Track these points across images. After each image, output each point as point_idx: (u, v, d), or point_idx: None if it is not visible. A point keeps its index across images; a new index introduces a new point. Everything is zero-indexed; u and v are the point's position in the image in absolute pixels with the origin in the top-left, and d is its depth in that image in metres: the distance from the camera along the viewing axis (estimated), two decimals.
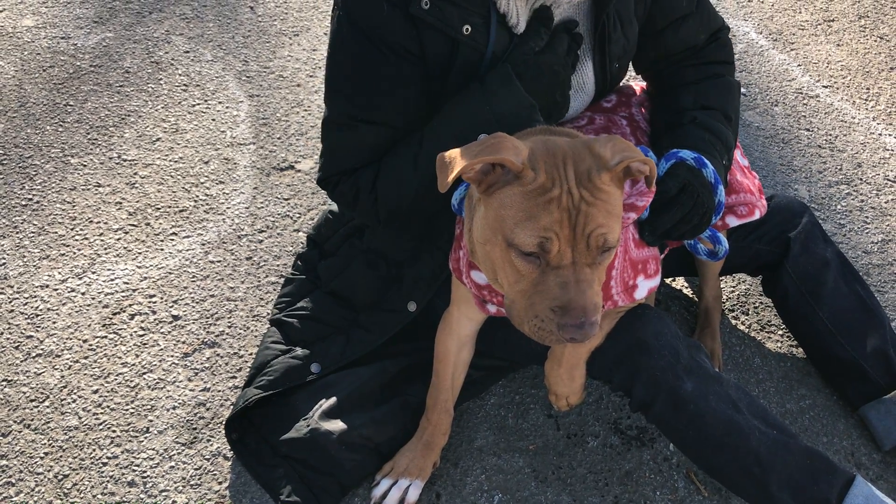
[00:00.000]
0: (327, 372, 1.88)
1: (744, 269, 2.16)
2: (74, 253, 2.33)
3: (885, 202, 2.66)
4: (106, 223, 2.42)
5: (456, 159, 1.26)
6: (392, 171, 1.62)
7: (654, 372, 1.62)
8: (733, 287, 2.36)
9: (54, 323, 2.13)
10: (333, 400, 1.86)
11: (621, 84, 1.98)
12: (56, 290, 2.22)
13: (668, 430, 1.69)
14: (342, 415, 1.86)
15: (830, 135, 2.93)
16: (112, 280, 2.25)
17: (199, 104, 2.88)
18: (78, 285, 2.24)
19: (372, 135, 1.63)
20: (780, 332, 2.24)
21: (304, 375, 1.87)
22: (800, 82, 3.18)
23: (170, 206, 2.49)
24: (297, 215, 2.49)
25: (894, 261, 2.47)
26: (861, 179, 2.74)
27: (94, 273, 2.27)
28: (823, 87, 3.17)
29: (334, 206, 2.06)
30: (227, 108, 2.88)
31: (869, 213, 2.62)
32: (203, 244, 2.38)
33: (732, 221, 1.85)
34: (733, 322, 2.26)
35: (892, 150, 2.88)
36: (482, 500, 1.83)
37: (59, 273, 2.26)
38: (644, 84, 1.99)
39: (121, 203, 2.49)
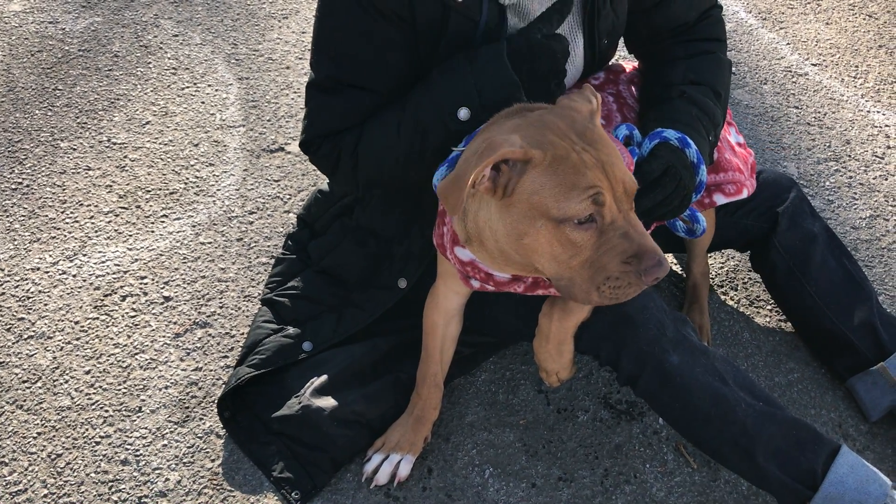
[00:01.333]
0: (319, 350, 1.89)
1: (732, 244, 2.18)
2: (65, 236, 2.33)
3: (873, 178, 2.68)
4: (96, 206, 2.42)
5: (460, 178, 1.23)
6: (374, 137, 1.62)
7: (640, 345, 1.63)
8: (722, 263, 2.37)
9: (46, 305, 2.14)
10: (325, 377, 1.88)
11: (611, 63, 1.98)
12: (47, 272, 2.22)
13: (656, 404, 1.70)
14: (334, 391, 1.87)
15: (819, 112, 2.94)
16: (103, 262, 2.26)
17: (188, 87, 2.88)
18: (69, 268, 2.24)
19: (356, 99, 1.63)
20: (769, 308, 2.25)
21: (295, 354, 1.88)
22: (789, 60, 3.19)
23: (160, 189, 2.49)
24: (288, 196, 2.49)
25: (882, 236, 2.48)
26: (849, 156, 2.76)
27: (84, 255, 2.27)
28: (812, 65, 3.18)
29: (324, 186, 2.07)
30: (216, 91, 2.88)
31: (857, 189, 2.63)
32: (194, 226, 2.38)
33: (720, 199, 1.86)
34: (722, 298, 2.28)
35: (880, 127, 2.89)
36: (473, 474, 1.85)
37: (50, 256, 2.27)
38: (636, 64, 1.99)
39: (111, 186, 2.49)
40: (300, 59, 3.05)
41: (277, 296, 1.98)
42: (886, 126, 2.90)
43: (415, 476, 1.83)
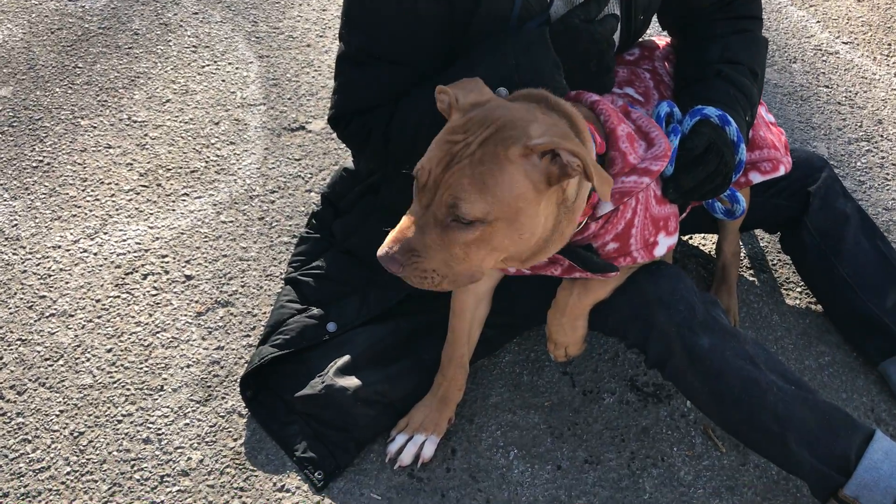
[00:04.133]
0: (343, 331, 1.86)
1: (762, 224, 2.13)
2: (86, 214, 2.31)
3: None
4: (117, 184, 2.41)
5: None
6: (408, 115, 1.58)
7: (669, 328, 1.60)
8: (751, 245, 2.32)
9: (67, 283, 2.13)
10: (348, 357, 1.85)
11: (643, 38, 1.94)
12: (68, 250, 2.21)
13: (685, 387, 1.67)
14: (357, 371, 1.85)
15: (850, 91, 2.87)
16: (124, 241, 2.24)
17: (208, 65, 2.85)
18: (90, 246, 2.23)
19: (390, 74, 1.59)
20: (799, 290, 2.21)
21: (320, 335, 1.85)
22: (819, 38, 3.12)
23: (181, 167, 2.47)
24: (309, 175, 2.47)
25: None
26: (882, 136, 2.69)
27: (105, 234, 2.26)
28: (843, 43, 3.10)
29: (349, 164, 2.03)
30: (236, 69, 2.85)
31: (889, 169, 2.57)
32: (215, 205, 2.36)
33: (756, 178, 1.81)
34: (751, 280, 2.23)
35: None
36: (498, 456, 1.82)
37: (71, 234, 2.25)
38: (668, 40, 1.95)
39: (132, 164, 2.47)
40: (321, 36, 3.02)
41: (302, 275, 1.95)
42: None
43: (438, 457, 1.80)
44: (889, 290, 1.98)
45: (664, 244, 1.61)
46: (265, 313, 2.08)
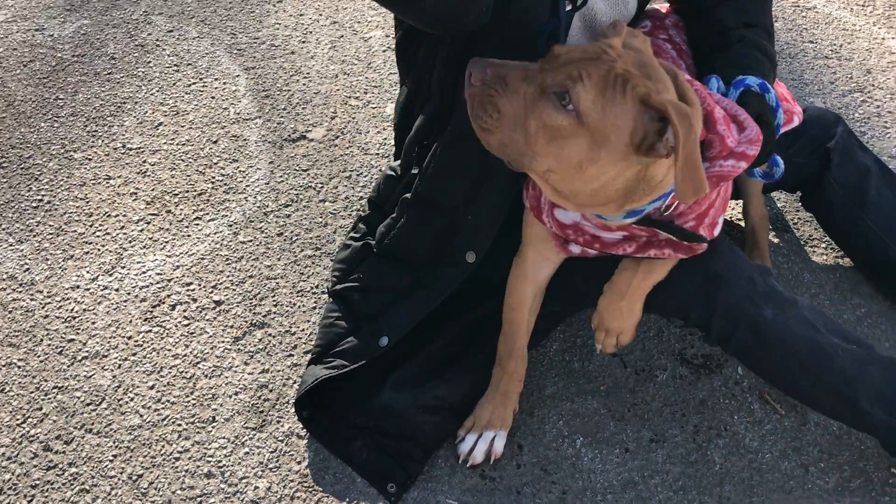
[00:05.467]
0: (395, 342, 1.83)
1: (783, 185, 2.15)
2: (99, 250, 2.24)
3: None
4: (125, 215, 2.33)
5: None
6: None
7: (732, 303, 1.60)
8: (770, 206, 2.35)
9: (94, 323, 2.06)
10: (402, 368, 1.83)
11: (647, 7, 1.93)
12: (88, 289, 2.14)
13: (750, 360, 1.68)
14: (413, 379, 1.82)
15: (835, 44, 2.92)
16: (144, 273, 2.18)
17: (194, 83, 2.78)
18: (110, 282, 2.16)
19: None
20: (825, 245, 2.24)
21: (373, 350, 1.81)
22: None
23: (187, 191, 2.40)
24: (320, 185, 2.42)
25: None
26: (873, 85, 2.74)
27: (123, 268, 2.19)
28: None
29: (394, 165, 1.96)
30: (224, 84, 2.78)
31: (887, 117, 2.62)
32: (230, 225, 2.30)
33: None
34: (776, 241, 2.26)
35: None
36: (565, 446, 1.82)
37: (88, 272, 2.18)
38: (666, 6, 1.94)
39: (136, 193, 2.40)
40: (303, 42, 2.96)
41: (346, 289, 1.89)
42: None
43: (506, 454, 1.80)
44: None
45: (720, 224, 1.62)
46: (303, 330, 2.04)
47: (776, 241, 2.26)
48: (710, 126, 1.42)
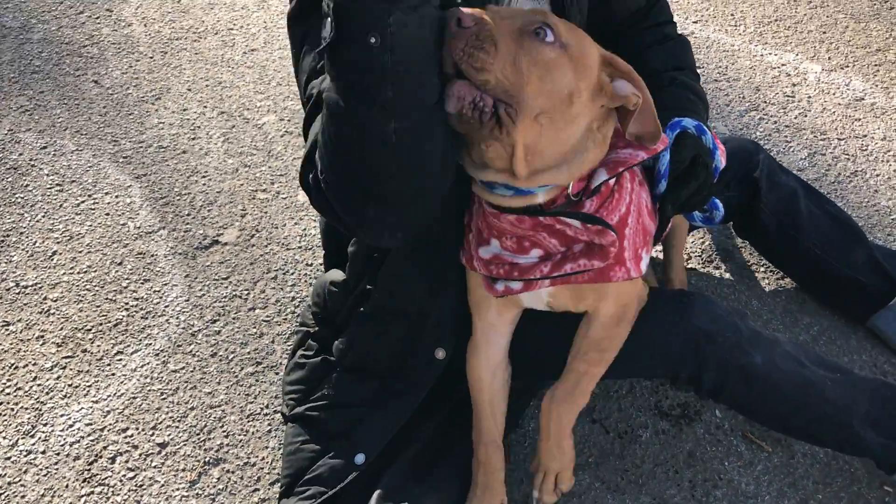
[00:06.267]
0: (372, 458, 1.70)
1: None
2: (13, 409, 2.00)
3: (795, 118, 2.76)
4: (35, 363, 2.10)
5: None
6: (317, 133, 1.33)
7: (722, 356, 1.58)
8: (701, 239, 2.36)
9: (24, 497, 1.83)
10: (385, 480, 1.70)
11: None
12: (9, 458, 1.90)
13: (744, 407, 1.66)
14: (398, 493, 1.69)
15: (720, 66, 3.01)
16: (71, 426, 1.96)
17: (83, 201, 2.57)
18: (33, 445, 1.92)
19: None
20: (763, 269, 2.27)
21: (349, 470, 1.67)
22: None
23: (101, 324, 2.19)
24: (245, 292, 2.26)
25: (826, 171, 2.57)
26: (765, 101, 2.83)
27: (45, 425, 1.96)
28: (693, 22, 3.25)
29: (330, 276, 1.83)
30: (116, 197, 2.58)
31: (785, 132, 2.71)
32: (157, 354, 2.11)
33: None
34: (715, 273, 2.27)
35: (778, 67, 2.99)
36: None
37: (5, 437, 1.94)
38: None
39: (43, 336, 2.17)
40: (193, 139, 2.80)
41: (309, 410, 1.76)
42: (782, 65, 3.00)
43: None
44: (852, 247, 2.07)
45: (645, 261, 1.58)
46: (263, 459, 1.88)
47: (717, 273, 2.27)
48: None
